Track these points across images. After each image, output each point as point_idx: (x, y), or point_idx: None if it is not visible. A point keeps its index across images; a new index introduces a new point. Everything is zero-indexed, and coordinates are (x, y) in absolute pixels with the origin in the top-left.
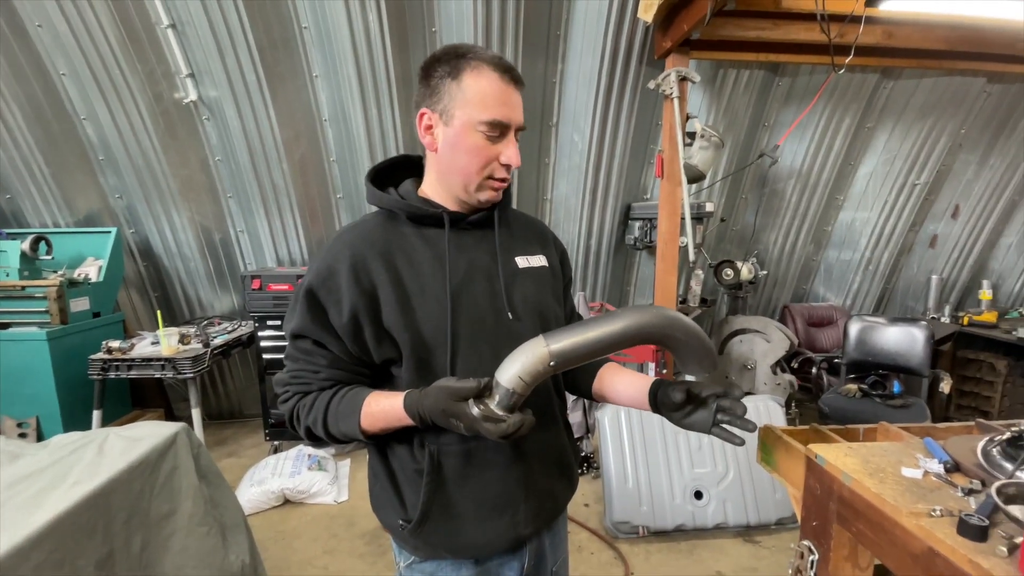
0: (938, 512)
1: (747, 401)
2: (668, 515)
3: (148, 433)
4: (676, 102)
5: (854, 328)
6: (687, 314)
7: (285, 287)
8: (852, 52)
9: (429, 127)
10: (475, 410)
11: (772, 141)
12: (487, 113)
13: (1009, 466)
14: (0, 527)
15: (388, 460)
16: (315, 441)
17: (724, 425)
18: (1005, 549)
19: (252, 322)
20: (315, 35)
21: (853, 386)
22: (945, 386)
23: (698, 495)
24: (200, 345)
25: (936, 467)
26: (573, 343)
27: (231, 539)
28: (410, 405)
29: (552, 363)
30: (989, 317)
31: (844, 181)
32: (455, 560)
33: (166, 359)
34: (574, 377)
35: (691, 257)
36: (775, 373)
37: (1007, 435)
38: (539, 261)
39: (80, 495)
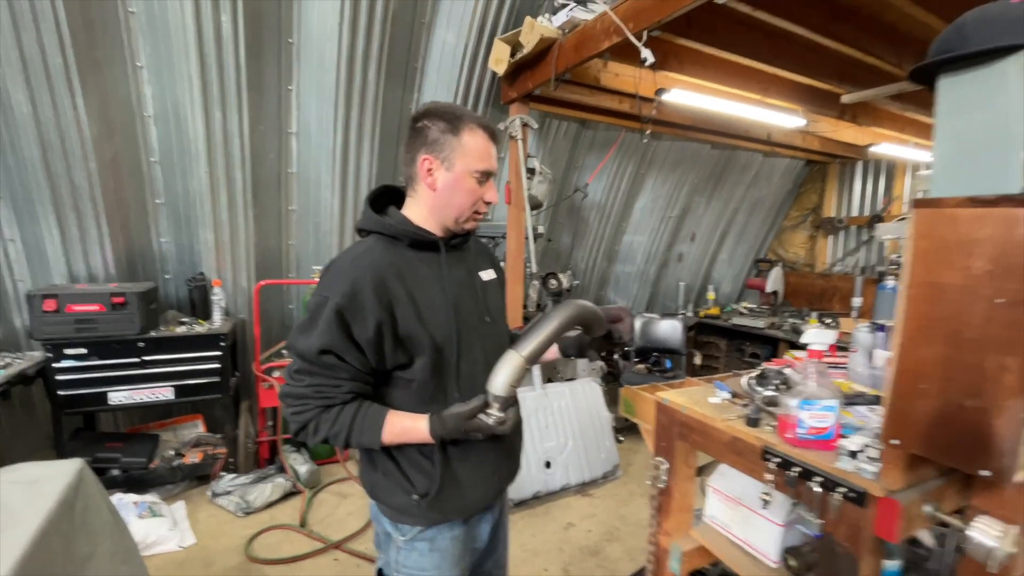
0: (734, 417)
1: (573, 384)
2: (527, 486)
3: (43, 474)
4: (520, 143)
5: (638, 323)
6: (528, 319)
7: (94, 307)
8: (650, 121)
9: (430, 170)
10: (491, 420)
11: (581, 179)
12: (482, 164)
13: (760, 389)
14: None
15: (391, 452)
16: (322, 444)
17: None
18: (770, 428)
19: (44, 351)
20: (145, 22)
21: (642, 366)
22: (698, 359)
23: (547, 464)
24: None
25: (727, 395)
26: (535, 345)
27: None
28: (435, 432)
29: (527, 365)
30: (715, 311)
31: (627, 212)
32: (451, 523)
33: None
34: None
35: (534, 269)
36: (590, 360)
37: (756, 374)
38: (491, 275)
39: (23, 541)
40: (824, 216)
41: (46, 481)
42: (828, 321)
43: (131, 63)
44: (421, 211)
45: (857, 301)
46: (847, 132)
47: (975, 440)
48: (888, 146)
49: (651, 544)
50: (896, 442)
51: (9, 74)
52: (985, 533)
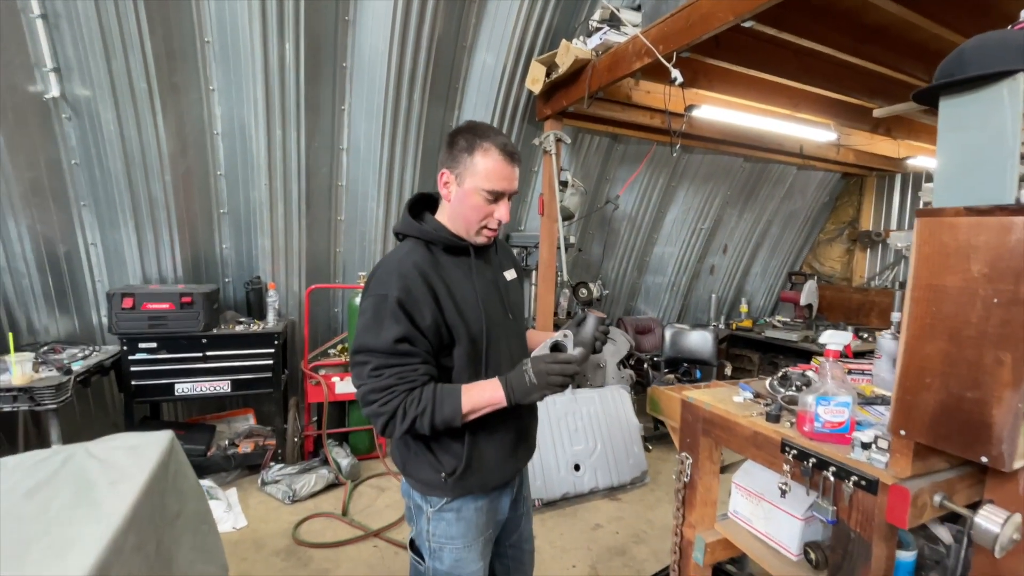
0: (755, 415)
1: (603, 391)
2: (556, 487)
3: (142, 441)
4: (553, 157)
5: (668, 333)
6: (558, 327)
7: (165, 306)
8: (679, 135)
9: (446, 183)
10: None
11: (613, 191)
12: (488, 184)
13: (782, 389)
14: (79, 520)
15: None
16: (409, 433)
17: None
18: (789, 423)
19: (121, 344)
20: (218, 50)
21: (671, 376)
22: (728, 370)
23: (576, 467)
24: (58, 372)
25: (749, 395)
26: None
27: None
28: (507, 391)
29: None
30: (747, 324)
31: (658, 224)
32: (475, 496)
33: (20, 389)
34: None
35: (565, 278)
36: (619, 369)
37: (778, 375)
38: (512, 275)
39: (135, 491)
40: (861, 229)
41: (145, 447)
42: (864, 336)
43: (205, 87)
44: (447, 218)
45: (896, 316)
46: (883, 145)
47: (975, 429)
48: (925, 159)
49: (676, 536)
50: (903, 432)
51: (100, 95)
52: (989, 519)
